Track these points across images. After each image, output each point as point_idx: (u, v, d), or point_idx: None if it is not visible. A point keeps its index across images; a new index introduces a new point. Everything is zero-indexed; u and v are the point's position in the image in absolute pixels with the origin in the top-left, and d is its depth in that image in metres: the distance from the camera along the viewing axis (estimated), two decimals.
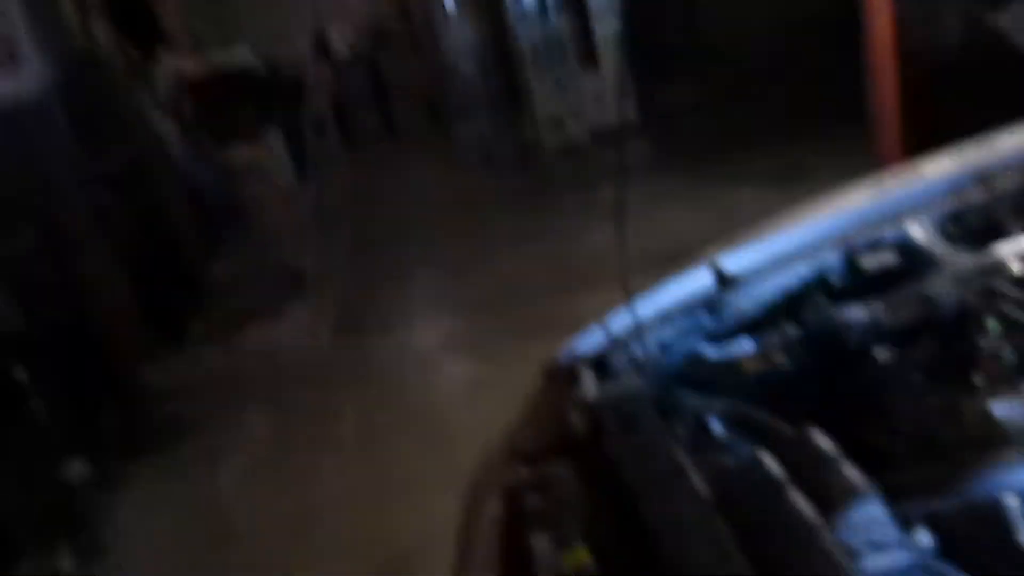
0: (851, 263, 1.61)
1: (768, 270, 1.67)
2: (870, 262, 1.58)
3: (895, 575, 0.95)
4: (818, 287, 1.60)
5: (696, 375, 1.59)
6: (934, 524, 1.03)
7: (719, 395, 1.48)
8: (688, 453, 1.27)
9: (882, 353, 1.39)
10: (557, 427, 1.52)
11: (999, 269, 1.32)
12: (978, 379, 1.20)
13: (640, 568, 1.11)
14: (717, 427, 1.37)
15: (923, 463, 1.17)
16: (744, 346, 1.56)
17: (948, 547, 1.01)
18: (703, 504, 1.11)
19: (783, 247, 1.71)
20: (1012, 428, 1.09)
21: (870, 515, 1.00)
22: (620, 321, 1.62)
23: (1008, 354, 1.19)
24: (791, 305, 1.60)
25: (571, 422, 1.47)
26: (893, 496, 1.07)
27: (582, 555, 1.16)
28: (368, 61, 10.03)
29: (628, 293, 1.55)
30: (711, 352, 1.60)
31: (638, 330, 1.56)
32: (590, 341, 1.68)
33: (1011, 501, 1.02)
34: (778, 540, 1.02)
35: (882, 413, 1.30)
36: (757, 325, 1.61)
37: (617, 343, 1.62)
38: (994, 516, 1.03)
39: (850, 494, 1.01)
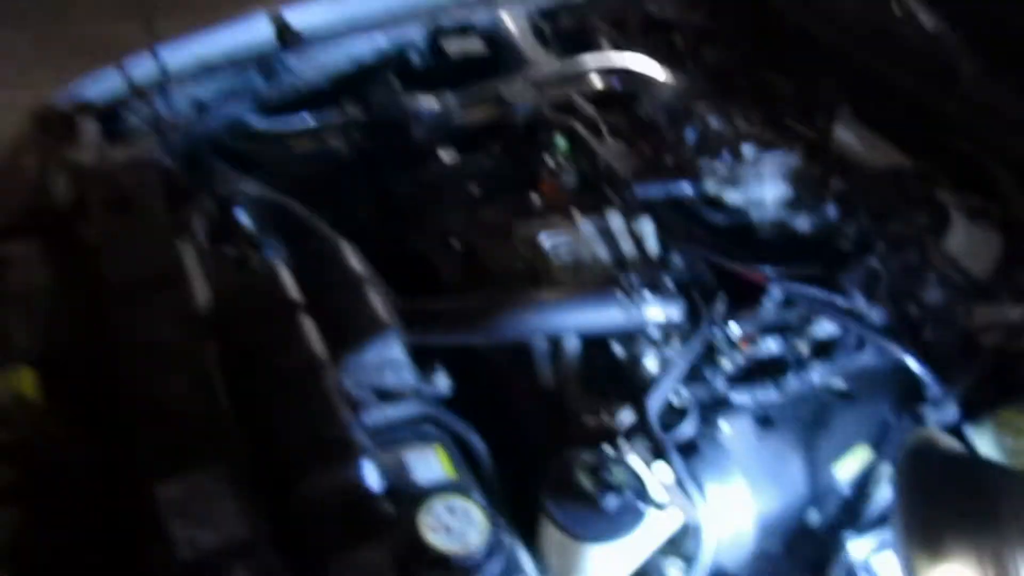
0: (433, 44, 1.40)
1: (341, 34, 1.39)
2: (453, 46, 1.38)
3: (398, 427, 0.82)
4: (393, 65, 1.37)
5: (235, 147, 1.30)
6: (461, 361, 0.92)
7: (259, 174, 1.22)
8: (200, 248, 1.02)
9: (446, 153, 1.23)
10: (36, 193, 1.15)
11: (581, 82, 1.21)
12: (536, 200, 1.10)
13: (100, 393, 0.86)
14: (244, 218, 1.12)
15: (466, 285, 1.05)
16: (297, 120, 1.30)
17: (473, 385, 0.92)
18: (192, 322, 0.87)
19: (363, 9, 1.44)
20: (556, 261, 1.00)
21: (386, 355, 0.85)
22: (145, 65, 1.24)
23: (569, 177, 1.09)
24: (359, 81, 1.35)
25: (54, 188, 1.12)
26: (425, 324, 0.94)
27: (25, 379, 0.88)
28: None
29: (154, 30, 1.17)
30: (257, 121, 1.32)
31: (166, 79, 1.21)
32: (101, 85, 1.28)
33: (540, 343, 0.94)
34: (277, 375, 0.83)
35: (435, 221, 1.15)
36: (317, 97, 1.35)
37: (136, 93, 1.24)
38: (521, 356, 0.95)
39: (369, 329, 0.85)
